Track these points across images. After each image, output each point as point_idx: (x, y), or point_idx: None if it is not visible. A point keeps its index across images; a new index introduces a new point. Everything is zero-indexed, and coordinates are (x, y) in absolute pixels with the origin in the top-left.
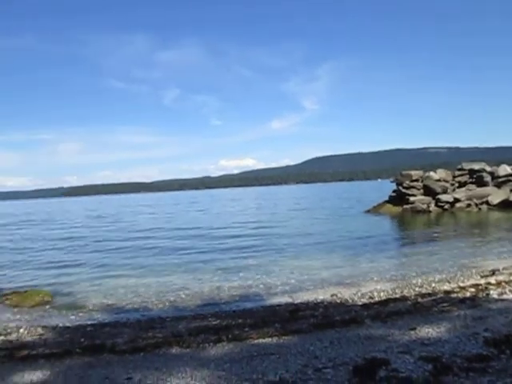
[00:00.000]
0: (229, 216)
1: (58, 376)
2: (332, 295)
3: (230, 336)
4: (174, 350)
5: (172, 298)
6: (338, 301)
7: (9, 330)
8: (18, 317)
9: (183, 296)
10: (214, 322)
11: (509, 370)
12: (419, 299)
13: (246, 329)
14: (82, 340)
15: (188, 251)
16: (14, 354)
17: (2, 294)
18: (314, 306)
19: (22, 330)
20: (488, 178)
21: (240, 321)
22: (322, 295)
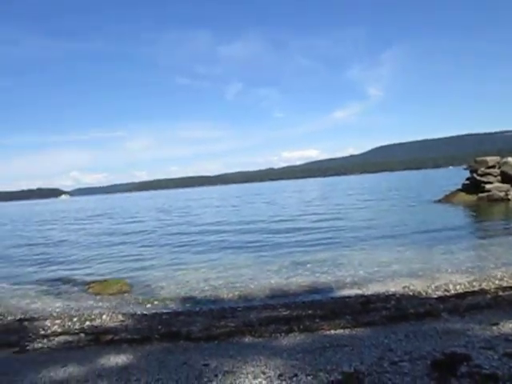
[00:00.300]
0: (293, 208)
1: (140, 360)
2: (404, 287)
3: (301, 326)
4: (247, 339)
5: (241, 289)
6: (411, 293)
7: (93, 316)
8: (100, 304)
9: (252, 287)
10: (284, 313)
11: None
12: (500, 293)
13: (317, 320)
14: (159, 327)
15: (255, 244)
16: (100, 339)
17: (84, 283)
18: (386, 298)
19: (104, 317)
20: None
21: (310, 312)
22: (393, 287)
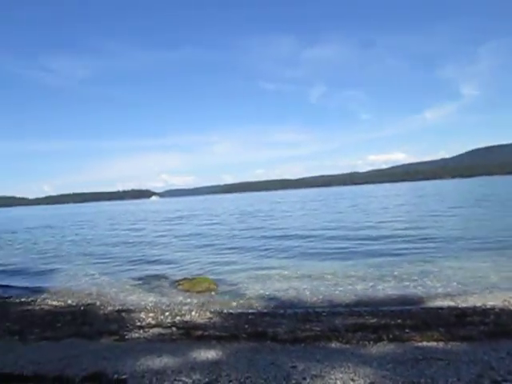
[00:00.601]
0: (379, 214)
1: (229, 357)
2: (504, 301)
3: (390, 336)
4: (334, 345)
5: (326, 294)
6: None
7: (183, 312)
8: (189, 300)
9: (337, 292)
10: (371, 321)
11: None
12: None
13: (407, 330)
14: (246, 326)
15: (339, 250)
16: (190, 333)
17: (174, 280)
18: (483, 311)
19: (193, 313)
20: None
21: (399, 321)
22: (492, 301)
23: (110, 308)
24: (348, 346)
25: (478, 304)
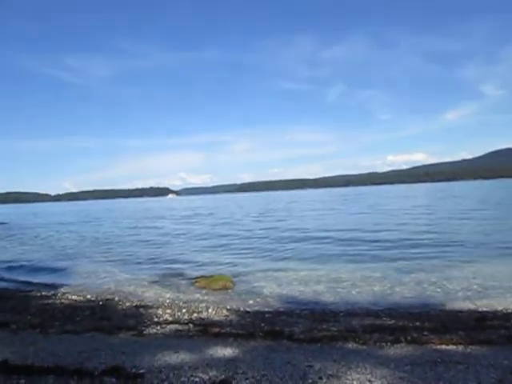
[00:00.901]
0: (399, 215)
1: (245, 354)
2: None
3: (408, 338)
4: (350, 345)
5: (343, 294)
6: None
7: (200, 309)
8: (206, 298)
9: (354, 293)
10: (388, 322)
11: None
12: None
13: (425, 332)
14: (262, 325)
15: (357, 251)
16: (207, 330)
17: (191, 277)
18: (504, 315)
19: (210, 310)
20: None
21: (417, 323)
22: None
23: (128, 303)
24: (365, 346)
25: (499, 308)
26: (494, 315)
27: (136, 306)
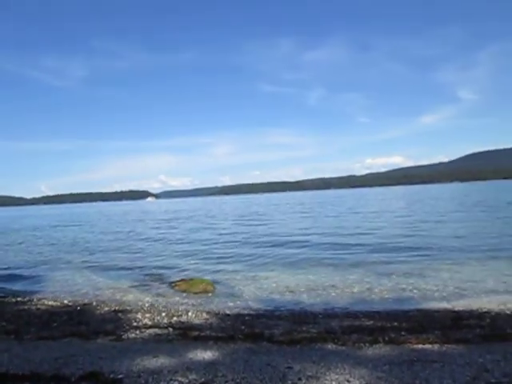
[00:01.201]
0: (377, 218)
1: (225, 357)
2: (500, 305)
3: (386, 338)
4: (330, 346)
5: (323, 296)
6: (508, 312)
7: (179, 312)
8: (186, 301)
9: (333, 294)
10: (367, 323)
11: None
12: None
13: (403, 332)
14: (243, 327)
15: (335, 250)
16: (187, 334)
17: (171, 281)
18: (479, 315)
19: (190, 314)
20: None
21: (395, 323)
22: (488, 305)
23: (106, 308)
24: (344, 347)
25: (475, 307)
26: (470, 315)
27: (114, 311)
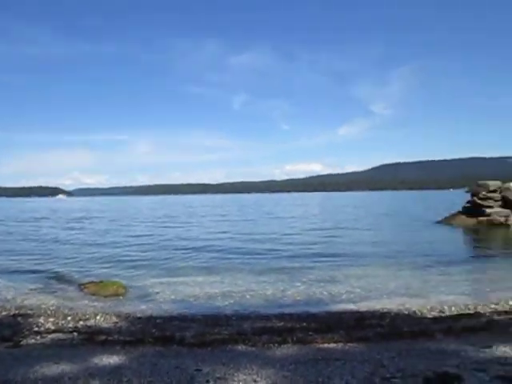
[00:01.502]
0: (292, 221)
1: (132, 361)
2: (399, 306)
3: (294, 338)
4: (240, 348)
5: (236, 298)
6: (406, 312)
7: (87, 316)
8: (95, 304)
9: (247, 297)
10: (278, 324)
11: None
12: (495, 316)
13: (311, 333)
14: (153, 331)
15: (251, 255)
16: (93, 338)
17: (80, 283)
18: (381, 315)
19: (98, 317)
20: None
21: (304, 324)
22: (389, 306)
23: (4, 313)
24: (254, 348)
25: (377, 308)
26: (372, 315)
27: (14, 315)
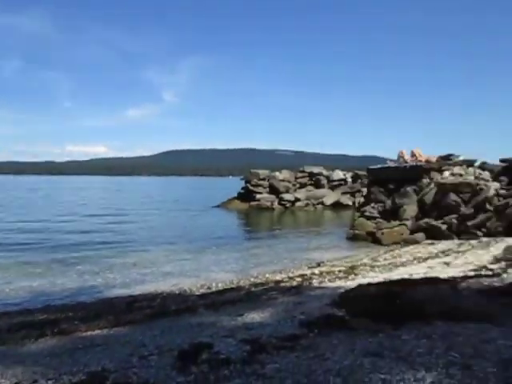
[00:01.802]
0: (73, 206)
1: None
2: (172, 286)
3: (55, 330)
4: None
5: None
6: (177, 291)
7: None
8: None
9: (7, 290)
10: (40, 317)
11: (313, 346)
12: (252, 288)
13: (76, 322)
14: None
15: (21, 245)
16: None
17: None
18: (153, 297)
19: None
20: (324, 181)
21: (70, 314)
22: (163, 287)
23: None
24: (3, 347)
25: (151, 290)
26: (145, 297)
27: None
